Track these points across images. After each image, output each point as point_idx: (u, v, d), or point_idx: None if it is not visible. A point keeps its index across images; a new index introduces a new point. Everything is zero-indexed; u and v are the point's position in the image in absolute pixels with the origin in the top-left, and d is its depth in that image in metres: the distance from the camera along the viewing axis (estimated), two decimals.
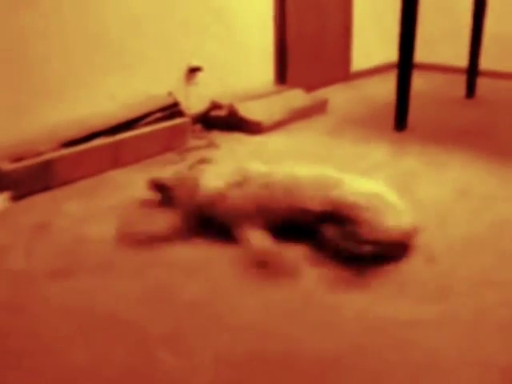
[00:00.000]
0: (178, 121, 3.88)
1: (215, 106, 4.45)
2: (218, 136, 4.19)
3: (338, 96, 5.41)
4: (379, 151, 3.78)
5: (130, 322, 2.01)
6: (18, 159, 3.11)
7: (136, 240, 2.60)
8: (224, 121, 4.35)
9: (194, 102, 4.35)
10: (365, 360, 1.80)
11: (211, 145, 3.94)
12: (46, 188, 3.18)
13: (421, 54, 6.60)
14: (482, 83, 5.76)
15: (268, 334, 1.94)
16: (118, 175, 3.42)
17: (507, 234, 2.62)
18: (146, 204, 2.96)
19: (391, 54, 6.63)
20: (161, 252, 2.49)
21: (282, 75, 5.22)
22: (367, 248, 2.29)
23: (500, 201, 2.98)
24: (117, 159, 3.51)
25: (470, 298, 2.11)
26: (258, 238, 2.45)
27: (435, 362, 1.78)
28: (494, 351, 1.83)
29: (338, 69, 5.96)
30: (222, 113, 4.38)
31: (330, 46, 5.75)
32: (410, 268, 2.33)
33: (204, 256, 2.45)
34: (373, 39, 6.33)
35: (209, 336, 1.93)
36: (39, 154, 3.18)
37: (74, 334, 1.95)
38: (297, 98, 4.78)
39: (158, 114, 3.81)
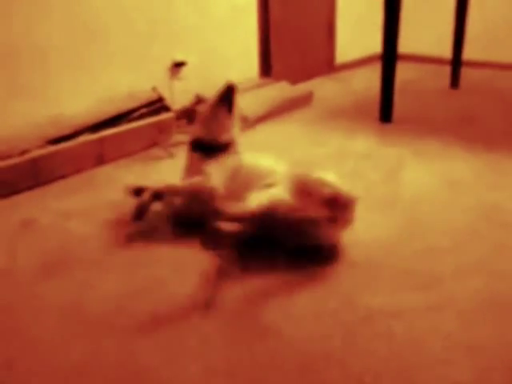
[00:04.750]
0: (162, 116, 3.86)
1: (200, 100, 4.43)
2: None
3: (322, 88, 5.41)
4: (365, 142, 3.78)
5: (119, 318, 2.01)
6: (3, 157, 3.08)
7: None
8: None
9: (179, 96, 4.33)
10: (353, 353, 1.81)
11: None
12: (32, 186, 3.16)
13: (405, 45, 6.62)
14: (466, 73, 5.78)
15: (257, 327, 1.94)
16: (103, 172, 3.40)
17: (497, 222, 2.64)
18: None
19: (375, 45, 6.63)
20: (148, 248, 2.48)
21: (267, 68, 5.21)
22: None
23: (489, 190, 2.99)
24: (102, 156, 3.49)
25: (458, 286, 2.13)
26: None
27: (424, 351, 1.80)
28: (482, 336, 1.84)
29: (323, 61, 5.96)
30: None
31: (314, 39, 5.75)
32: (399, 255, 2.35)
33: (191, 252, 2.45)
34: (357, 31, 6.33)
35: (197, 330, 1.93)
36: (24, 151, 3.16)
37: (63, 333, 1.94)
38: (282, 90, 4.78)
39: (143, 110, 3.79)
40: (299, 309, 2.03)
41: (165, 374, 1.74)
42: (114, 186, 3.16)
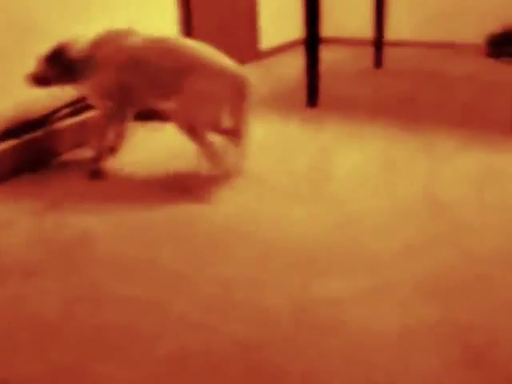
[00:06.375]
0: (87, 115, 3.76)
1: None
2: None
3: (247, 75, 5.38)
4: (293, 128, 3.79)
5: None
6: None
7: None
8: None
9: None
10: (295, 347, 1.80)
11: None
12: None
13: (328, 29, 6.69)
14: (389, 53, 5.89)
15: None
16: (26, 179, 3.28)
17: (430, 204, 2.68)
18: None
19: (300, 30, 6.67)
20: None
21: None
22: None
23: (422, 170, 3.04)
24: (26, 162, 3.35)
25: (397, 270, 2.15)
26: None
27: (372, 339, 1.80)
28: (432, 318, 1.88)
29: (247, 48, 5.94)
30: None
31: (238, 26, 5.71)
32: (335, 244, 2.36)
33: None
34: (280, 16, 6.33)
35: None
36: None
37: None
38: None
39: (66, 110, 3.67)
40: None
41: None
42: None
